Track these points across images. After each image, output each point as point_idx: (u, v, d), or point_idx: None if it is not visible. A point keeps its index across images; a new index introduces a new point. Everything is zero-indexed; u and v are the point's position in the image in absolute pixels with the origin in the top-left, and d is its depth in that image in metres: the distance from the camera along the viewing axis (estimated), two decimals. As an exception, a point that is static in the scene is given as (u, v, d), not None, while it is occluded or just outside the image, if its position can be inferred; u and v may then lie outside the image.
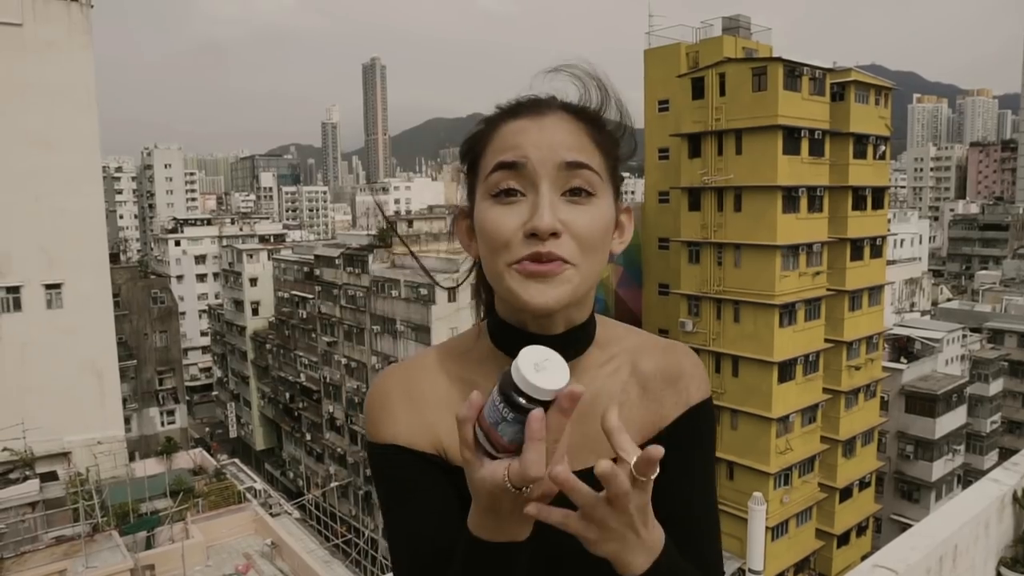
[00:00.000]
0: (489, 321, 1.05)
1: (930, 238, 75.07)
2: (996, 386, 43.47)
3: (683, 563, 0.92)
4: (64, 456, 28.18)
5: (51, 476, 26.41)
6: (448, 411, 0.97)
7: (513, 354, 0.91)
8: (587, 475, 0.90)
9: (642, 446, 0.93)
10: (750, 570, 3.22)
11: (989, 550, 4.69)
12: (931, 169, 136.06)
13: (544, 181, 0.91)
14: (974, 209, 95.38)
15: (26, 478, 25.56)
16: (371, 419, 1.00)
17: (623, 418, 0.95)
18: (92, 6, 30.24)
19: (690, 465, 1.07)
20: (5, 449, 26.37)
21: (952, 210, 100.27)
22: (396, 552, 1.00)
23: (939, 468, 36.16)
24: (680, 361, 1.09)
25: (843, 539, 31.67)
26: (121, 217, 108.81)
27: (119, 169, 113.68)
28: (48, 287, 29.25)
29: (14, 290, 28.61)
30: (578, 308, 0.99)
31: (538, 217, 0.89)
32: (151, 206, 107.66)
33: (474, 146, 0.99)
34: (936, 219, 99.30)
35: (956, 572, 4.17)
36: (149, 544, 23.39)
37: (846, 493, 31.82)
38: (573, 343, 1.00)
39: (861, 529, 32.72)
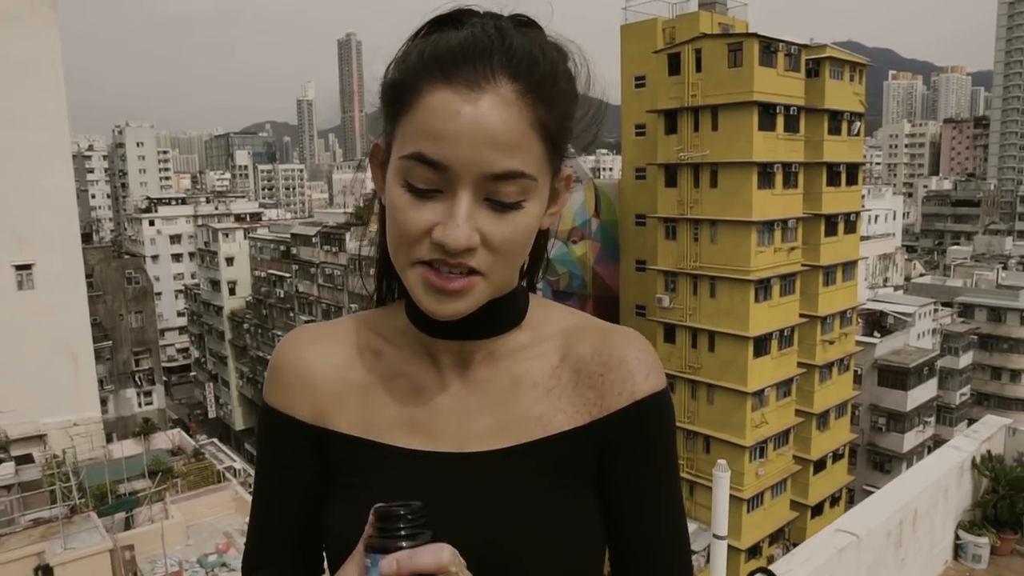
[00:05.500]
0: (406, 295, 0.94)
1: (904, 214, 75.96)
2: (966, 359, 44.37)
3: None
4: (40, 438, 27.91)
5: (27, 459, 26.16)
6: (344, 381, 0.92)
7: (426, 329, 0.90)
8: (509, 453, 0.88)
9: (576, 432, 0.88)
10: (715, 535, 3.30)
11: (948, 514, 4.83)
12: (905, 146, 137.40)
13: (465, 188, 0.76)
14: (947, 185, 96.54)
15: (0, 461, 25.32)
16: (267, 379, 0.96)
17: (552, 406, 0.89)
18: (57, -21, 29.49)
19: (641, 475, 0.87)
20: (-22, 432, 26.12)
21: (926, 186, 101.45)
22: (249, 523, 0.98)
23: (910, 440, 36.92)
24: (625, 344, 0.90)
25: (817, 510, 32.30)
26: (93, 197, 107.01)
27: (90, 148, 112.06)
28: (19, 268, 28.76)
29: (-17, 271, 28.14)
30: None
31: (451, 233, 0.75)
32: (124, 185, 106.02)
33: (396, 96, 0.79)
34: (910, 195, 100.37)
35: (916, 535, 4.30)
36: (128, 525, 23.24)
37: (820, 465, 32.42)
38: (491, 319, 0.88)
39: (834, 500, 33.37)
